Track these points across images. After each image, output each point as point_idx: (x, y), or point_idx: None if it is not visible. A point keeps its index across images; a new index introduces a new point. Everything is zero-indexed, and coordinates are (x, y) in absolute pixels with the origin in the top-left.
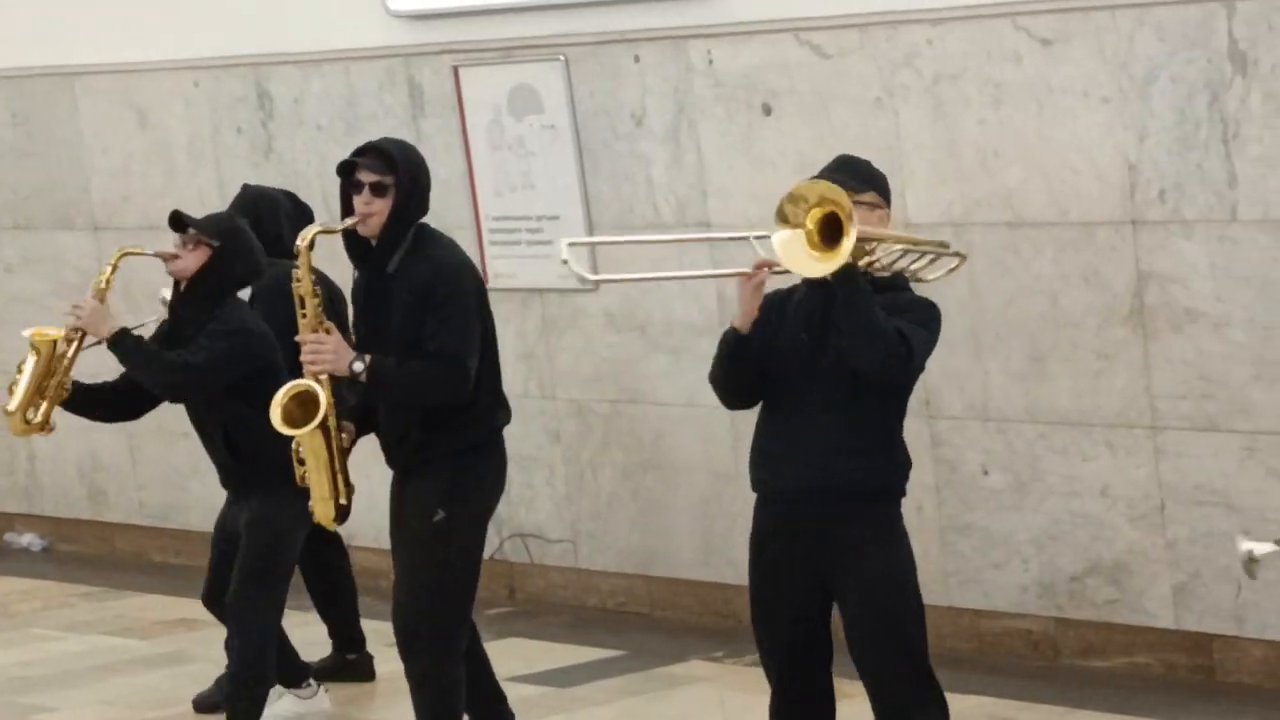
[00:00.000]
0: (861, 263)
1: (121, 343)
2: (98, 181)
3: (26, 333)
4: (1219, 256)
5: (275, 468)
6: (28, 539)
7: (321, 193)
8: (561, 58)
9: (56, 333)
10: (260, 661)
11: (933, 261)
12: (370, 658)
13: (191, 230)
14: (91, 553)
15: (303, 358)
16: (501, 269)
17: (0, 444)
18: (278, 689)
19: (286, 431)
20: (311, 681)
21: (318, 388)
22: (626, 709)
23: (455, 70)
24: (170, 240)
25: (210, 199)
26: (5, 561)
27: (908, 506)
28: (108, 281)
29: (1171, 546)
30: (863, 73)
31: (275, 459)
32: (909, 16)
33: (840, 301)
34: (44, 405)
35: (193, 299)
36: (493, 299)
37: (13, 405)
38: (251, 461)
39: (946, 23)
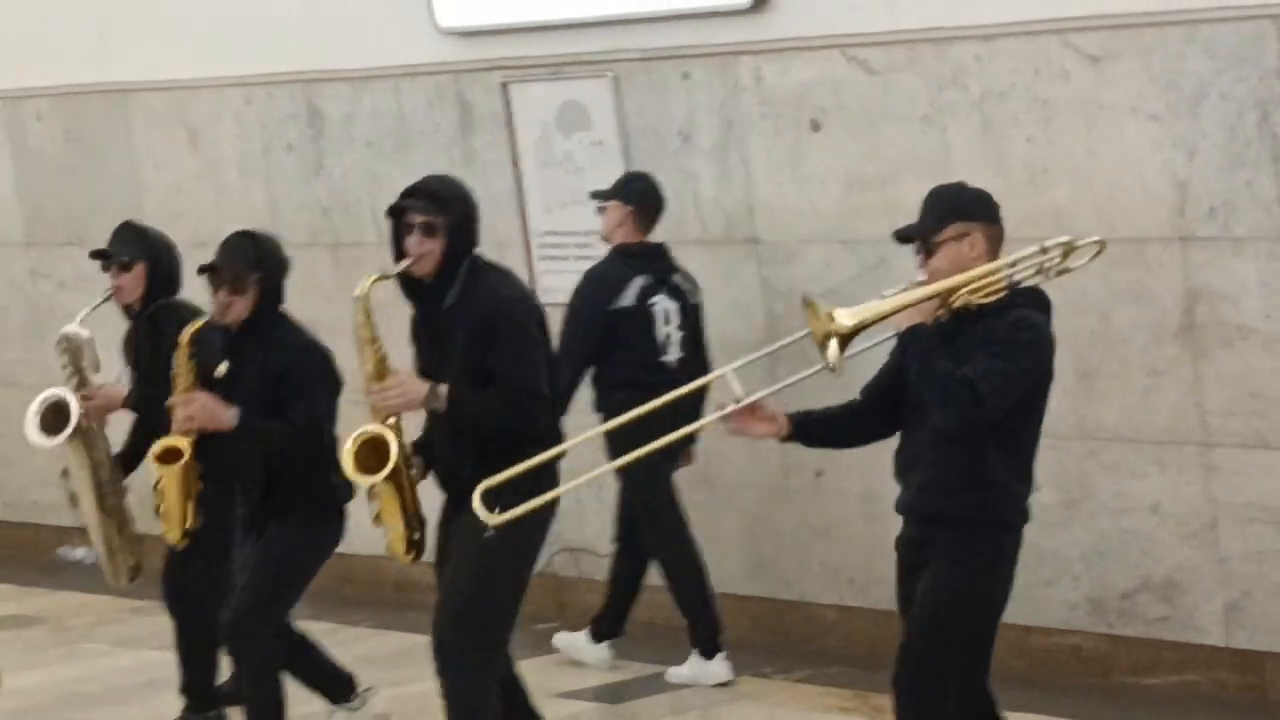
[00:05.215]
0: (962, 299)
1: (247, 429)
2: (151, 198)
3: (155, 470)
4: (1269, 274)
5: (300, 500)
6: (80, 553)
7: (371, 209)
8: (610, 74)
9: (177, 443)
10: (273, 686)
11: (1065, 258)
12: None
13: (227, 277)
14: (145, 566)
15: (372, 402)
16: (551, 284)
17: (51, 457)
18: (328, 707)
19: (360, 479)
20: (358, 693)
21: (388, 434)
22: None
23: (504, 87)
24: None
25: (261, 216)
26: (58, 576)
27: None
28: (193, 374)
29: (1223, 564)
30: (911, 90)
31: (305, 491)
32: (957, 34)
33: (912, 360)
34: (190, 506)
35: (251, 334)
36: None
37: (175, 537)
38: (282, 492)
39: (995, 40)
